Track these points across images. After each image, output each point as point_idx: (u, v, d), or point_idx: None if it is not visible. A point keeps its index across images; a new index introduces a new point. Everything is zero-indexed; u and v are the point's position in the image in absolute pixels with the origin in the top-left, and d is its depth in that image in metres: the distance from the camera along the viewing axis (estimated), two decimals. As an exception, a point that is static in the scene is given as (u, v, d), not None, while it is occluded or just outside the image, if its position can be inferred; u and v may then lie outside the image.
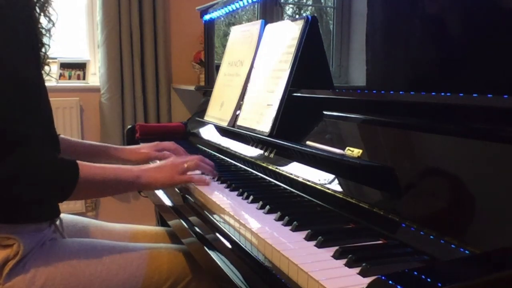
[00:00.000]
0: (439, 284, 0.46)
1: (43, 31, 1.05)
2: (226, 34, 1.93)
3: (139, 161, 1.31)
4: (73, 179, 0.91)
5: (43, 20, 1.05)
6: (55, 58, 2.77)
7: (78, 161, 0.93)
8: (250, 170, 1.24)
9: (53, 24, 1.07)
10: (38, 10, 1.03)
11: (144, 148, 1.35)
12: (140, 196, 1.69)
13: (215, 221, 0.92)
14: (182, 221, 1.05)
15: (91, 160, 1.20)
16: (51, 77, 1.14)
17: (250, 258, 0.75)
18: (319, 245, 0.72)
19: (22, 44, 0.91)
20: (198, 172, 1.14)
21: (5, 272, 0.92)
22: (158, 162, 1.16)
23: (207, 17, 2.09)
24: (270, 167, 1.15)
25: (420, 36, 1.00)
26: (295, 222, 0.80)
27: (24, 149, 0.86)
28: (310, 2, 1.73)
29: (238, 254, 0.78)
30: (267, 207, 0.90)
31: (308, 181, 0.99)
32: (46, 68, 1.09)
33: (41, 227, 1.00)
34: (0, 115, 0.85)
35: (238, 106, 1.40)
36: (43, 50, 1.06)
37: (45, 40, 1.06)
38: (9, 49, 0.88)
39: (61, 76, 2.78)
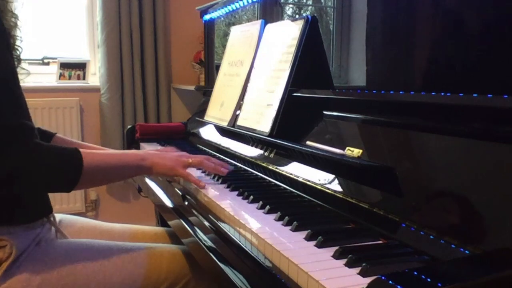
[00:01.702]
0: (439, 284, 0.46)
1: (12, 23, 1.04)
2: (226, 34, 1.93)
3: None
4: (78, 167, 0.90)
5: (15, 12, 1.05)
6: (55, 58, 2.78)
7: (81, 149, 0.92)
8: (250, 170, 1.24)
9: (17, 17, 1.06)
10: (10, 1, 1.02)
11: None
12: (140, 196, 1.69)
13: (215, 221, 0.92)
14: (182, 221, 1.05)
15: None
16: (24, 70, 1.12)
17: (250, 258, 0.75)
18: (319, 245, 0.72)
19: None
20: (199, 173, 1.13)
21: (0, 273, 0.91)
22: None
23: (207, 17, 2.09)
24: (270, 167, 1.15)
25: (420, 36, 1.00)
26: (295, 222, 0.80)
27: (21, 139, 0.85)
28: (310, 2, 1.73)
29: (238, 254, 0.78)
30: (267, 207, 0.90)
31: (308, 181, 0.99)
32: (20, 65, 1.08)
33: (33, 226, 0.99)
34: None
35: (238, 106, 1.40)
36: (17, 43, 1.05)
37: (17, 34, 1.05)
38: None
39: (61, 76, 2.78)
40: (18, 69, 1.05)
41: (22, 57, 1.07)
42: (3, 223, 0.94)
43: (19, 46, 1.06)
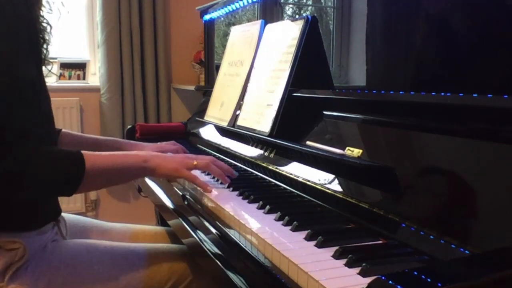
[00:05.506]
0: (439, 284, 0.46)
1: (46, 27, 1.03)
2: (226, 34, 1.93)
3: None
4: (80, 169, 0.88)
5: (45, 16, 1.04)
6: (55, 58, 2.78)
7: (83, 151, 0.91)
8: (250, 170, 1.24)
9: (58, 18, 1.05)
10: (42, 8, 1.01)
11: (148, 147, 1.33)
12: (140, 196, 1.69)
13: (215, 221, 0.92)
14: (182, 221, 1.05)
15: None
16: (52, 74, 1.12)
17: (250, 258, 0.75)
18: (319, 245, 0.72)
19: (21, 41, 0.89)
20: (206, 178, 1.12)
21: (8, 275, 0.91)
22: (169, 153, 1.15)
23: (207, 17, 2.09)
24: (270, 167, 1.15)
25: (420, 36, 1.00)
26: (295, 222, 0.80)
27: (23, 145, 0.84)
28: (310, 2, 1.73)
29: (238, 254, 0.78)
30: (267, 207, 0.90)
31: (308, 181, 0.99)
32: (48, 66, 1.08)
33: (45, 229, 0.99)
34: None
35: (238, 106, 1.40)
36: (44, 46, 1.04)
37: (46, 36, 1.05)
38: (6, 46, 0.85)
39: (61, 76, 2.78)
40: (48, 75, 1.03)
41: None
42: (19, 228, 0.94)
43: (46, 49, 1.04)
